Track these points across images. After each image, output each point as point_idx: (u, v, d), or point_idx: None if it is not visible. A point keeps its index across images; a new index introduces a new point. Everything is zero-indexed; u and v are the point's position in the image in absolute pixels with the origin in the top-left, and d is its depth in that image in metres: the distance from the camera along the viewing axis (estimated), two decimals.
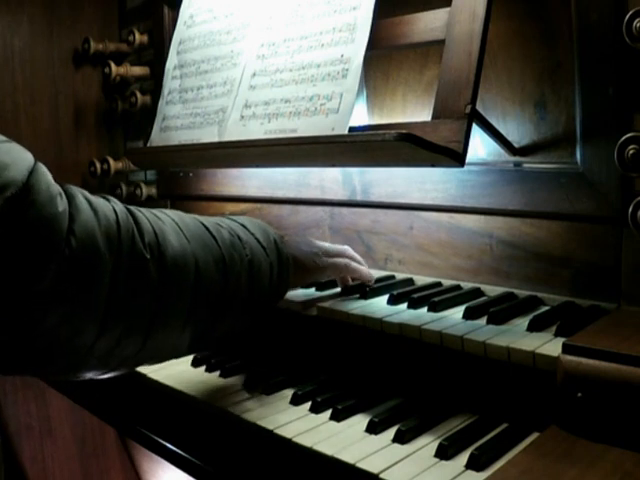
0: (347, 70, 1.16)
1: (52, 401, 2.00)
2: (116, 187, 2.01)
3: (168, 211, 0.98)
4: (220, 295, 0.96)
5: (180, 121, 1.52)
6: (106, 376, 0.93)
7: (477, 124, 1.09)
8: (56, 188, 0.78)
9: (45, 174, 0.78)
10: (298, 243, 1.20)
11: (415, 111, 1.34)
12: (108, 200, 0.87)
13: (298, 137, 1.19)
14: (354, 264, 1.23)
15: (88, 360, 0.85)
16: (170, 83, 1.58)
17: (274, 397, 1.09)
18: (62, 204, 0.77)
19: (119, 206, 0.87)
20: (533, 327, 0.99)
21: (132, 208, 0.90)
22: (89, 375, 0.90)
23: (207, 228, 0.98)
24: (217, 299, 0.96)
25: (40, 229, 0.74)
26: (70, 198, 0.79)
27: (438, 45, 1.11)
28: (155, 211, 0.95)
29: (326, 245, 1.24)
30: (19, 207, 0.71)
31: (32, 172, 0.75)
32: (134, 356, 0.90)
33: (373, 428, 0.94)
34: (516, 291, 1.17)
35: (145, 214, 0.91)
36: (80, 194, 0.82)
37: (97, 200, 0.84)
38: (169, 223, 0.93)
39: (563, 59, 1.11)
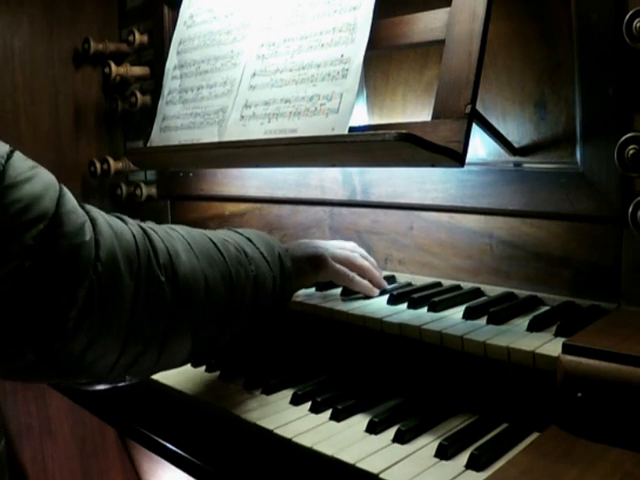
0: (347, 70, 1.16)
1: (52, 401, 2.00)
2: (116, 187, 2.01)
3: (177, 227, 1.00)
4: (227, 309, 0.99)
5: (180, 121, 1.52)
6: (117, 385, 0.96)
7: (477, 124, 1.09)
8: (81, 214, 0.79)
9: (71, 200, 0.79)
10: (305, 247, 1.20)
11: (415, 111, 1.34)
12: (125, 222, 0.89)
13: (298, 137, 1.19)
14: (358, 278, 1.22)
15: (107, 377, 0.89)
16: (170, 83, 1.58)
17: (274, 397, 1.09)
18: (89, 232, 0.78)
19: (135, 228, 0.89)
20: (533, 327, 0.99)
21: (145, 227, 0.91)
22: (104, 387, 0.93)
23: (215, 244, 1.00)
24: (224, 313, 0.99)
25: (71, 259, 0.75)
26: (93, 223, 0.81)
27: (438, 45, 1.11)
28: (166, 228, 0.97)
29: (336, 249, 1.23)
30: (51, 239, 0.73)
31: (59, 200, 0.76)
32: (149, 369, 0.94)
33: (373, 428, 0.94)
34: (516, 291, 1.17)
35: (158, 233, 0.92)
36: (101, 217, 0.84)
37: (116, 223, 0.86)
38: (179, 240, 0.94)
39: (563, 59, 1.11)
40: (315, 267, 1.18)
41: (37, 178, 0.75)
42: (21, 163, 0.75)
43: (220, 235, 1.05)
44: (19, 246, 0.71)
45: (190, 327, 0.93)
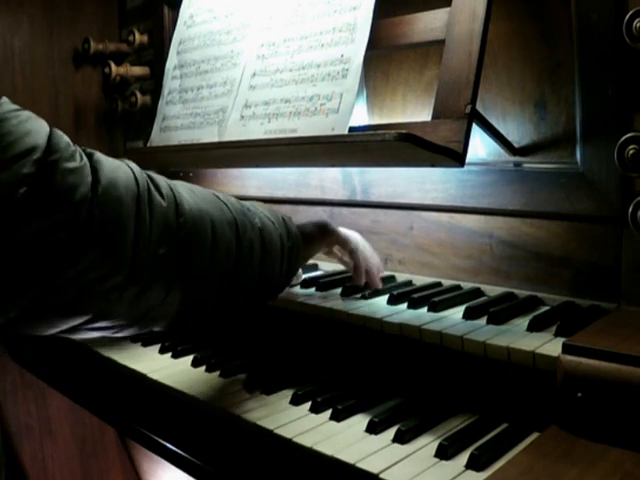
0: (347, 70, 1.16)
1: (52, 401, 2.00)
2: None
3: (177, 182, 1.01)
4: (235, 255, 0.98)
5: (180, 121, 1.52)
6: (141, 331, 0.95)
7: (477, 124, 1.09)
8: (75, 147, 0.83)
9: (62, 136, 0.82)
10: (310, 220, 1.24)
11: (415, 111, 1.34)
12: (122, 160, 0.91)
13: (298, 137, 1.19)
14: (362, 250, 1.25)
15: (118, 307, 0.87)
16: (170, 83, 1.58)
17: (274, 397, 1.09)
18: (83, 159, 0.82)
19: (133, 165, 0.91)
20: (533, 327, 0.99)
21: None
22: (123, 331, 0.93)
23: (217, 196, 1.02)
24: (232, 260, 0.98)
25: (69, 180, 0.78)
26: (90, 155, 0.84)
27: (438, 45, 1.11)
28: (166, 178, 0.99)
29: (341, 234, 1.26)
30: (47, 167, 0.76)
31: (51, 135, 0.80)
32: (157, 307, 0.91)
33: (373, 428, 0.94)
34: (516, 291, 1.17)
35: (159, 176, 0.95)
36: (97, 152, 0.87)
37: (113, 159, 0.89)
38: (180, 186, 0.96)
39: (563, 59, 1.11)
40: (322, 231, 1.21)
41: (26, 117, 0.79)
42: (10, 105, 0.78)
43: (219, 192, 1.06)
44: (14, 176, 0.73)
45: (200, 265, 0.92)
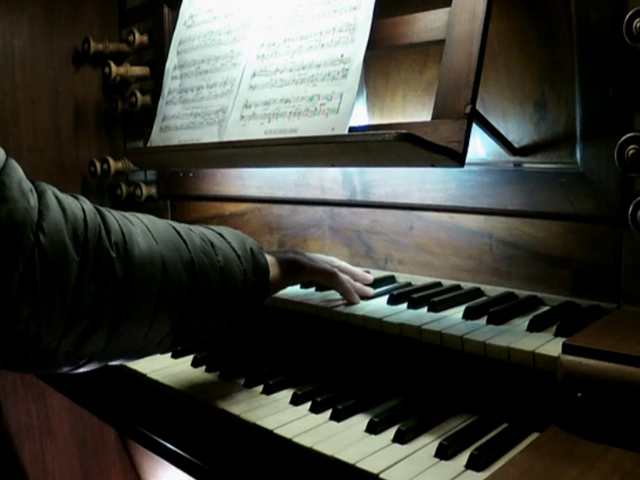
0: (347, 70, 1.16)
1: (52, 401, 2.00)
2: (116, 187, 2.01)
3: (140, 215, 1.00)
4: (188, 297, 0.97)
5: (180, 121, 1.52)
6: (79, 371, 0.94)
7: (477, 124, 1.09)
8: (27, 184, 0.81)
9: (17, 170, 0.80)
10: (285, 251, 1.22)
11: (415, 111, 1.34)
12: (77, 199, 0.89)
13: (298, 137, 1.19)
14: (342, 275, 1.21)
15: (56, 355, 0.87)
16: (170, 83, 1.58)
17: (274, 397, 1.09)
18: (33, 199, 0.80)
19: (88, 205, 0.89)
20: (533, 327, 0.99)
21: (102, 208, 0.92)
22: (61, 370, 0.92)
23: (178, 232, 1.00)
24: (185, 300, 0.97)
25: (13, 222, 0.76)
26: (40, 194, 0.82)
27: (438, 45, 1.11)
28: (126, 214, 0.97)
29: (317, 259, 1.23)
30: None
31: (3, 169, 0.78)
32: (101, 352, 0.91)
33: (373, 428, 0.94)
34: (516, 291, 1.17)
35: (114, 215, 0.93)
36: (50, 191, 0.85)
37: (66, 198, 0.87)
38: (138, 225, 0.95)
39: (563, 59, 1.11)
40: (292, 268, 1.17)
41: None
42: None
43: (186, 226, 1.05)
44: None
45: (145, 310, 0.92)
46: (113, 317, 0.88)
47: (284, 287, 1.20)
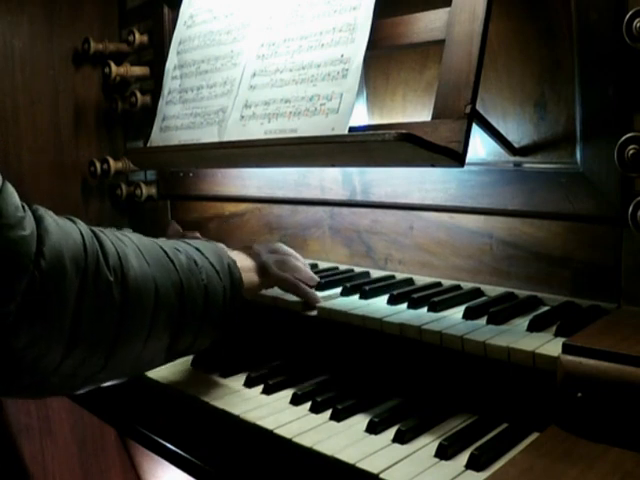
0: (347, 70, 1.16)
1: (52, 401, 1.99)
2: (116, 187, 2.01)
3: (129, 233, 1.01)
4: (178, 317, 0.99)
5: (180, 121, 1.52)
6: (70, 393, 0.96)
7: (477, 124, 1.09)
8: (22, 210, 0.79)
9: (12, 195, 0.79)
10: (248, 257, 1.22)
11: (415, 111, 1.34)
12: (74, 222, 0.89)
13: (298, 137, 1.19)
14: (303, 285, 1.23)
15: (51, 379, 0.86)
16: (170, 83, 1.58)
17: (274, 397, 1.09)
18: (30, 226, 0.78)
19: (84, 228, 0.89)
20: (533, 327, 0.99)
21: (96, 230, 0.92)
22: (53, 394, 0.93)
23: (166, 252, 1.01)
24: (175, 320, 0.99)
25: (8, 252, 0.75)
26: (39, 220, 0.81)
27: (438, 45, 1.11)
28: (118, 233, 0.98)
29: (270, 256, 1.25)
30: None
31: (1, 193, 0.76)
32: (97, 374, 0.92)
33: (373, 428, 0.94)
34: (516, 291, 1.17)
35: (109, 237, 0.93)
36: (48, 215, 0.84)
37: (64, 223, 0.86)
38: (130, 245, 0.95)
39: (563, 59, 1.11)
40: (261, 275, 1.20)
41: None
42: None
43: (170, 244, 1.06)
44: None
45: (140, 332, 0.93)
46: (111, 341, 0.89)
47: (253, 297, 1.23)
